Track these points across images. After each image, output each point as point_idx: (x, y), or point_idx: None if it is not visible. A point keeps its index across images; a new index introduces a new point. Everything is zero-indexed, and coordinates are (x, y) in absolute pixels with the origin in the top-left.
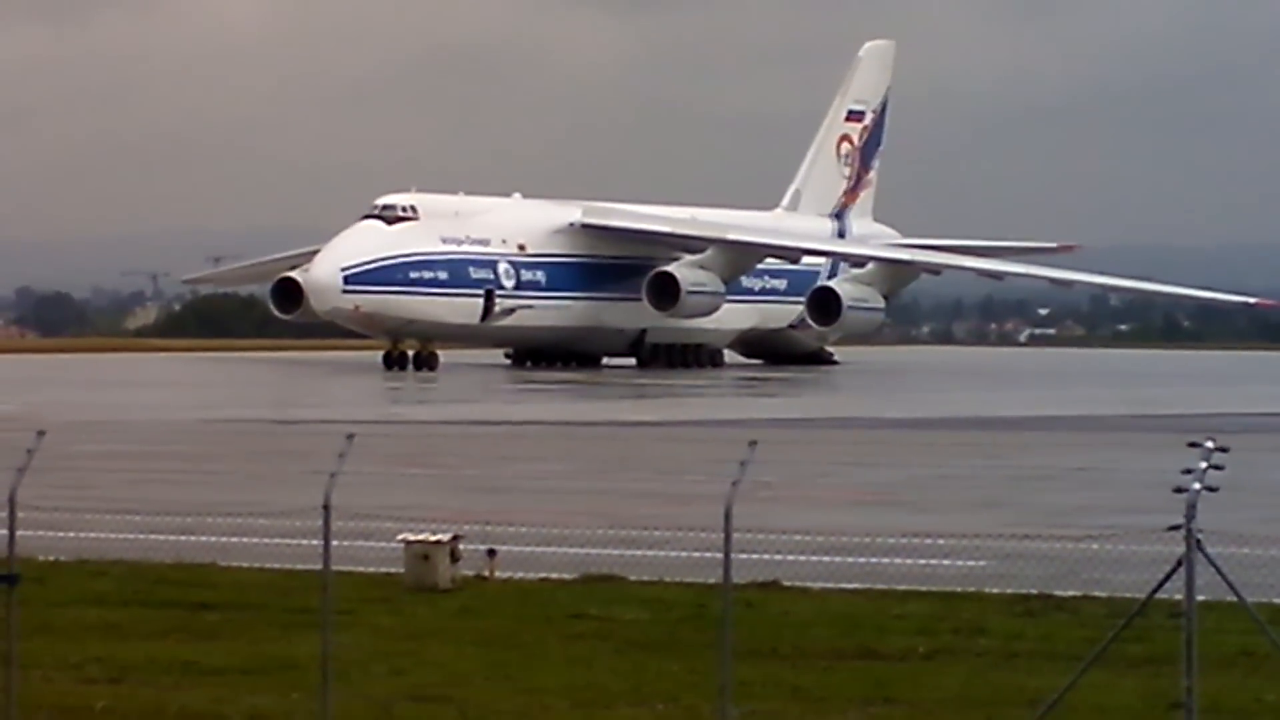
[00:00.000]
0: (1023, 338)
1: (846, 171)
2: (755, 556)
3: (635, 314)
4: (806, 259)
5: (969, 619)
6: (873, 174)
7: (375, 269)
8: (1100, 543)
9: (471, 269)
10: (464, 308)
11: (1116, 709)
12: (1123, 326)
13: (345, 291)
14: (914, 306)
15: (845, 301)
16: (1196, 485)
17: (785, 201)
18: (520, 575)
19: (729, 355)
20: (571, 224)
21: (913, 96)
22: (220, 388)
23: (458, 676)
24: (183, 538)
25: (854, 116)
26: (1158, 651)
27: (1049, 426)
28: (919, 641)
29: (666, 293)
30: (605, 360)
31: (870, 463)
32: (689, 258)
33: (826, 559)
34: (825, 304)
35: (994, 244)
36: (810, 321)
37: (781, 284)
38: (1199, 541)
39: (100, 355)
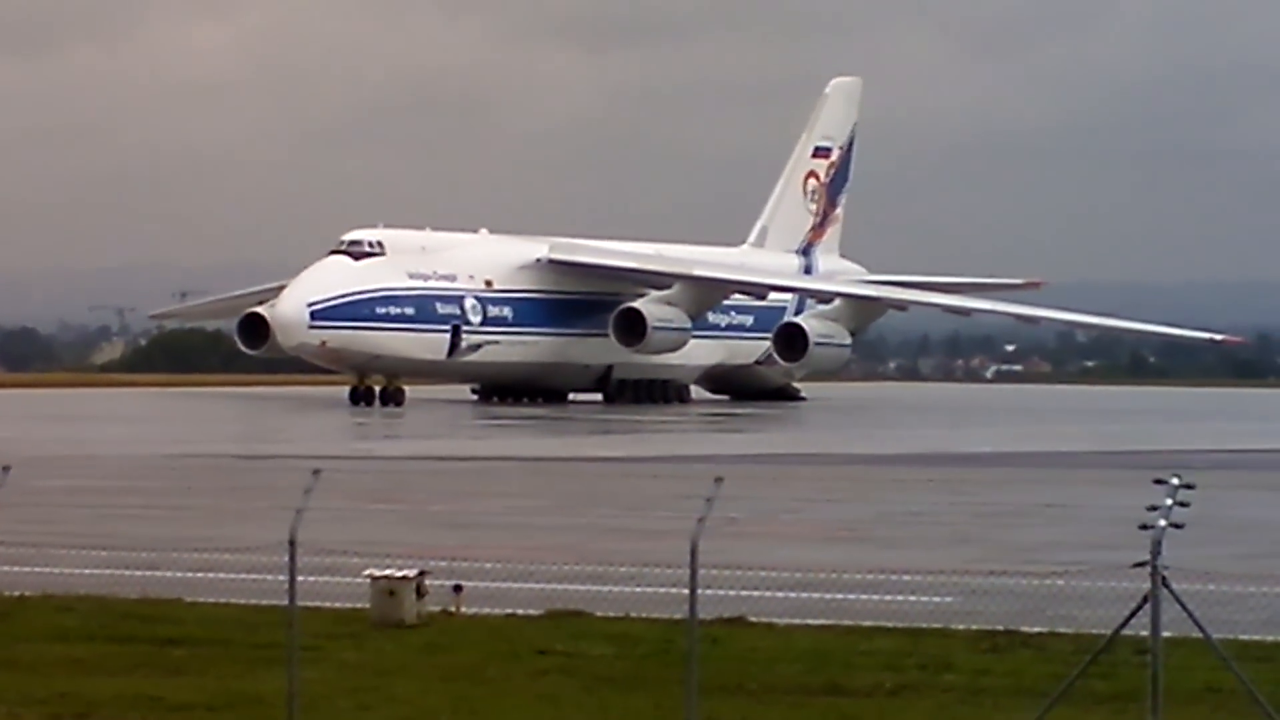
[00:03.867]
0: (989, 374)
1: (813, 208)
2: (721, 592)
3: (602, 350)
4: (773, 295)
5: (935, 655)
6: (839, 210)
7: (342, 304)
8: (1067, 579)
9: (438, 305)
10: (431, 343)
11: None
12: (1089, 363)
13: (312, 327)
14: (880, 342)
15: (812, 338)
16: (1162, 522)
17: (752, 238)
18: (486, 611)
19: (696, 391)
20: (538, 260)
21: (879, 133)
22: (186, 423)
23: (424, 712)
24: (149, 573)
25: (821, 153)
26: (1124, 688)
27: (1016, 463)
28: (885, 677)
29: (633, 329)
30: (572, 396)
31: (837, 499)
32: (656, 294)
33: (793, 595)
34: (792, 340)
35: (960, 280)
36: (777, 357)
37: (748, 320)
38: (1165, 578)
39: (67, 390)
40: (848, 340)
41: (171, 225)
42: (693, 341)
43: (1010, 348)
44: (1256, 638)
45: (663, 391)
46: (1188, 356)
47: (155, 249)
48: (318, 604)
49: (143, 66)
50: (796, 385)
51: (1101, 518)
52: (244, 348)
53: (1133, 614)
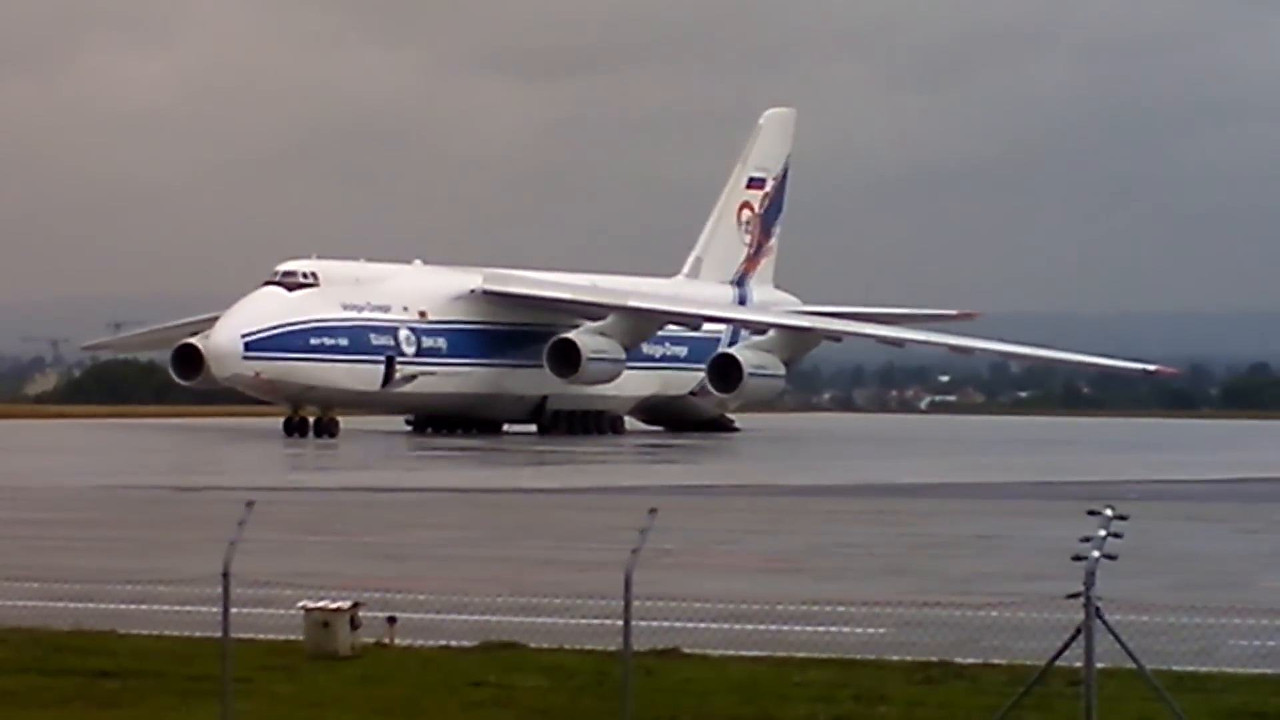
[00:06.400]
0: (923, 405)
1: (747, 239)
2: (656, 624)
3: (536, 381)
4: (707, 326)
5: (869, 686)
6: (773, 241)
7: (276, 335)
8: (1000, 610)
9: (372, 335)
10: (365, 374)
11: None
12: (1023, 393)
13: (246, 358)
14: (815, 373)
15: (746, 368)
16: (1095, 553)
17: (686, 269)
18: (420, 642)
19: (630, 422)
20: (472, 291)
21: (813, 164)
22: (120, 454)
23: None
24: (82, 605)
25: (755, 184)
26: (1058, 719)
27: (949, 494)
28: (820, 709)
29: (567, 360)
30: (506, 427)
31: (771, 530)
32: (590, 325)
33: (727, 626)
34: (726, 371)
35: (894, 311)
36: (711, 388)
37: (682, 351)
38: (1098, 609)
39: None
40: (782, 371)
41: (105, 256)
42: (627, 372)
43: (944, 378)
44: (1190, 669)
45: (597, 422)
46: (1121, 387)
47: (89, 280)
48: (252, 636)
49: (77, 98)
50: (731, 416)
51: (1035, 549)
52: (178, 379)
53: (1066, 645)
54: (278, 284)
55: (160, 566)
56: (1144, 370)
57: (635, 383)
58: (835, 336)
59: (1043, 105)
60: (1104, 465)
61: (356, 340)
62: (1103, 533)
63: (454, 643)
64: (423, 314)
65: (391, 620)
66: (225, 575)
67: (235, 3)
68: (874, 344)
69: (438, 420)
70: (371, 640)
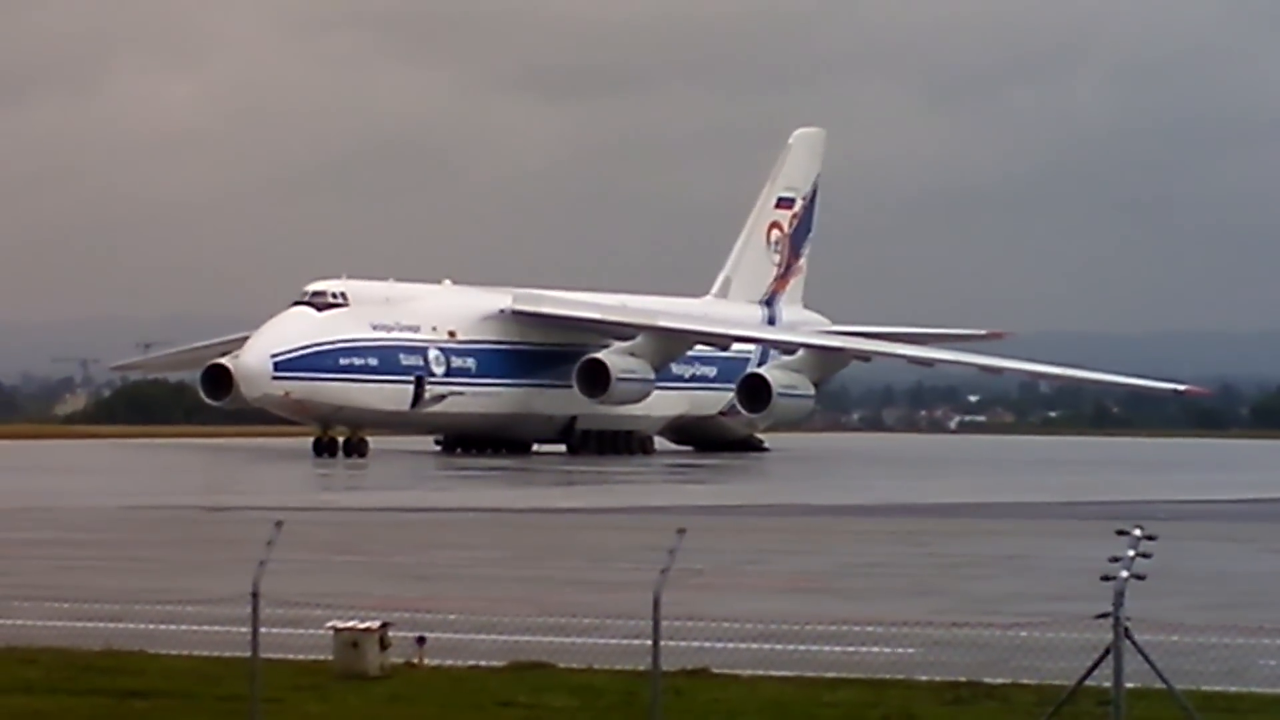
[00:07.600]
0: (953, 424)
1: (776, 258)
2: (685, 644)
3: (566, 401)
4: (736, 346)
5: (899, 706)
6: (803, 261)
7: (305, 356)
8: (1029, 630)
9: (402, 356)
10: (394, 394)
11: None
12: (1052, 413)
13: (275, 378)
14: (844, 393)
15: (775, 389)
16: (1124, 573)
17: (715, 289)
18: (450, 663)
19: (659, 442)
20: (502, 311)
21: (842, 183)
22: (149, 474)
23: None
24: (112, 625)
25: (784, 204)
26: None
27: (978, 514)
28: None
29: (597, 380)
30: (535, 447)
31: (800, 550)
32: (619, 345)
33: (756, 646)
34: (755, 391)
35: (924, 331)
36: (740, 408)
37: (711, 371)
38: (1127, 629)
39: (30, 442)
40: (811, 391)
41: (134, 277)
42: (656, 392)
43: (974, 398)
44: (1219, 689)
45: (626, 442)
46: (1151, 407)
47: (118, 300)
48: (281, 656)
49: (107, 119)
50: (760, 436)
51: (1064, 569)
52: (207, 399)
53: (1095, 665)
54: (307, 304)
55: (189, 586)
56: (1174, 390)
57: (664, 403)
58: (864, 356)
59: (1072, 125)
60: (1133, 485)
61: (386, 360)
62: (1131, 553)
63: (483, 663)
64: (452, 334)
65: (421, 640)
66: (254, 595)
67: (264, 24)
68: (903, 364)
69: (467, 440)
70: (401, 660)
